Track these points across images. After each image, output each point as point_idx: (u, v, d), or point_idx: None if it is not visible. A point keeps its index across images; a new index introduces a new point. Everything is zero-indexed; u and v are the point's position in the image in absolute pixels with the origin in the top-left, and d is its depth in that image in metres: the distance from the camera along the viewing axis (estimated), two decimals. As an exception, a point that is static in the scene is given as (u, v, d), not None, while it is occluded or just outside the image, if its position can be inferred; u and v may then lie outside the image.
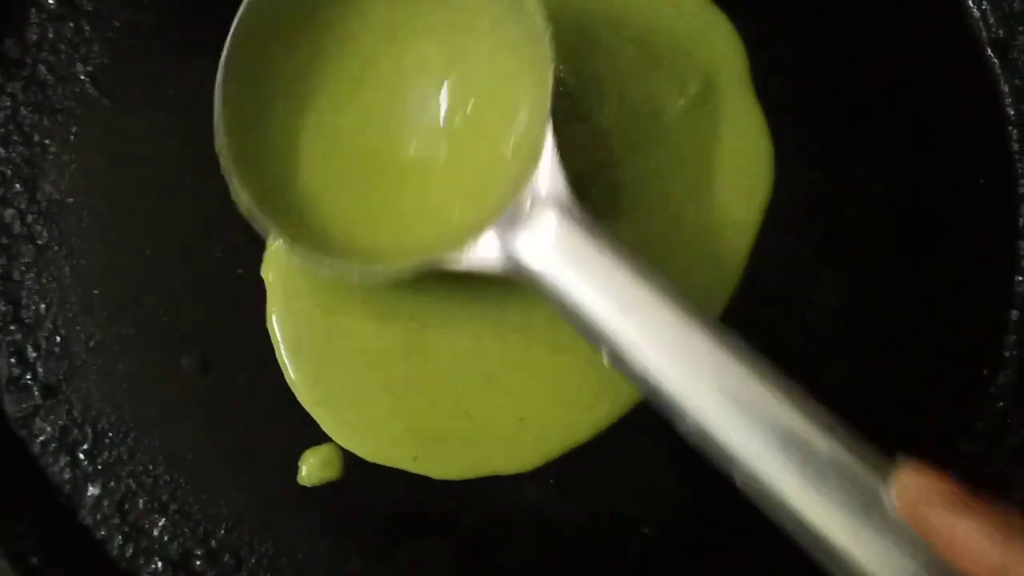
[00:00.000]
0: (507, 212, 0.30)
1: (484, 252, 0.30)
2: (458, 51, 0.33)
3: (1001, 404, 0.35)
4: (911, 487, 0.25)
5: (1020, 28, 0.37)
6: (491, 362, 0.34)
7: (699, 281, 0.34)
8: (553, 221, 0.29)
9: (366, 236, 0.33)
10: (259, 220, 0.31)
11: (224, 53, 0.31)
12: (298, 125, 0.33)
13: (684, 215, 0.35)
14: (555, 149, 0.30)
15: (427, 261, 0.31)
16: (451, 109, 0.33)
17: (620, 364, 0.28)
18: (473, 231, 0.30)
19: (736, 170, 0.36)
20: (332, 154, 0.33)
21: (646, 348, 0.27)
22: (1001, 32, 0.37)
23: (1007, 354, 0.35)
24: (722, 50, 0.37)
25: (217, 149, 0.31)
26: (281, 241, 0.31)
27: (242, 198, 0.31)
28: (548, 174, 0.30)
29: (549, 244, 0.29)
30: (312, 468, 0.33)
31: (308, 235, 0.32)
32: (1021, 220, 0.36)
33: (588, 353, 0.31)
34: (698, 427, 0.27)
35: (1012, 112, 0.37)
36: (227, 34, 0.35)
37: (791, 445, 0.26)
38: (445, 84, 0.33)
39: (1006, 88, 0.37)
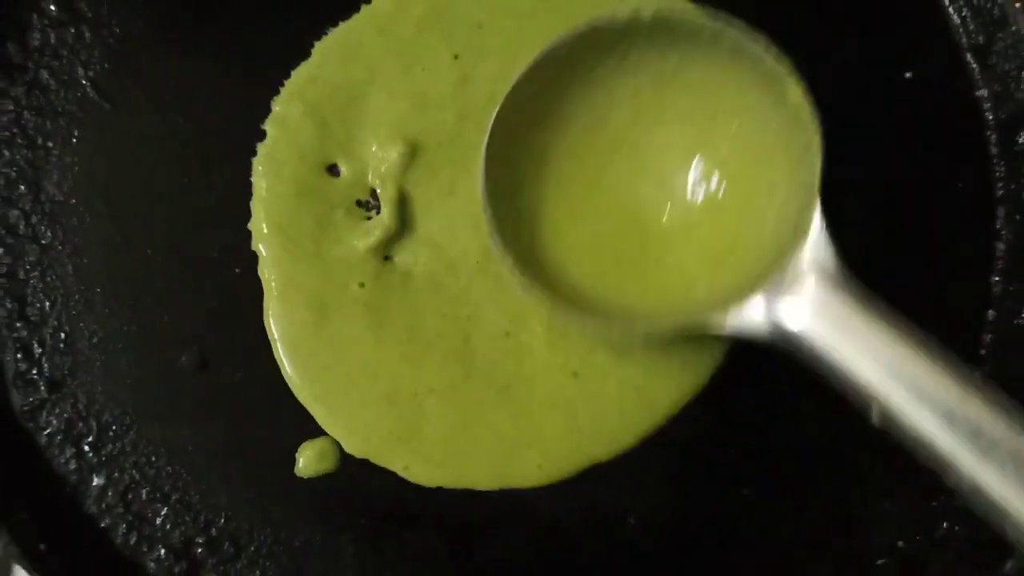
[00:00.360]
0: (774, 280, 0.31)
1: (750, 316, 0.31)
2: (703, 133, 0.35)
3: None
4: None
5: (999, 34, 0.38)
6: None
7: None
8: (820, 288, 0.30)
9: (615, 296, 0.34)
10: (520, 280, 0.33)
11: (487, 135, 0.33)
12: (550, 197, 0.35)
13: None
14: (823, 221, 0.31)
15: (689, 324, 0.32)
16: (696, 184, 0.35)
17: (889, 423, 0.29)
18: (737, 296, 0.31)
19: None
20: (582, 224, 0.35)
21: (917, 409, 0.28)
22: (981, 38, 0.38)
23: (984, 351, 0.36)
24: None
25: (485, 221, 0.33)
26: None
27: (506, 260, 0.33)
28: (817, 246, 0.31)
29: (817, 310, 0.30)
30: (308, 460, 0.35)
31: (563, 293, 0.34)
32: (998, 222, 0.37)
33: (598, 384, 0.33)
34: (973, 484, 0.27)
35: (991, 117, 0.38)
36: (223, 39, 0.36)
37: None
38: (690, 162, 0.35)
39: (985, 93, 0.38)
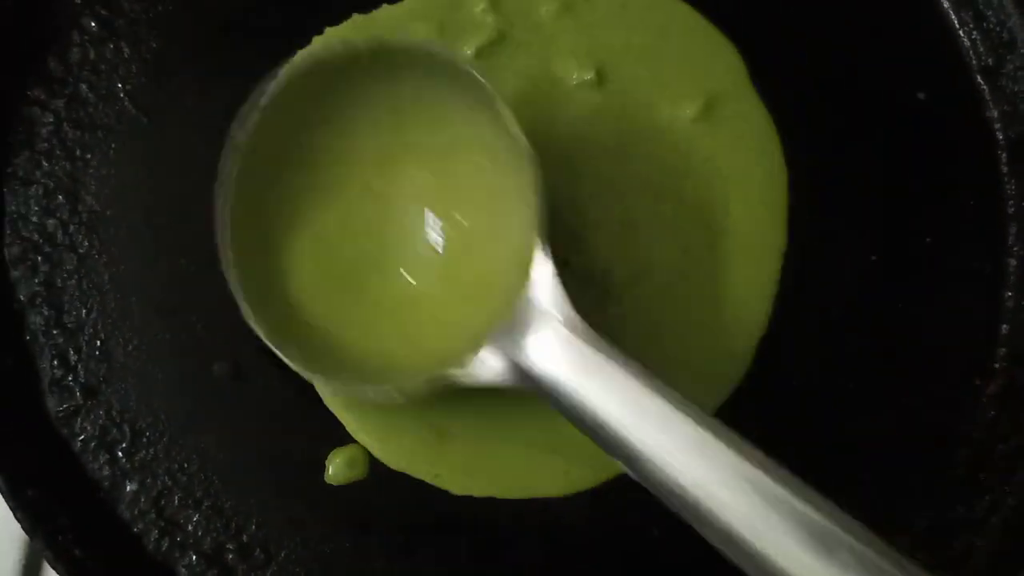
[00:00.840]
0: (504, 325, 0.30)
1: (488, 365, 0.30)
2: (445, 171, 0.34)
3: (992, 413, 0.36)
4: None
5: (1008, 56, 0.39)
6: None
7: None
8: (555, 332, 0.30)
9: (374, 355, 0.33)
10: (272, 346, 0.32)
11: (225, 189, 0.33)
12: (296, 247, 0.34)
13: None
14: (548, 260, 0.31)
15: (434, 378, 0.31)
16: (445, 226, 0.34)
17: (638, 474, 0.29)
18: (472, 346, 0.31)
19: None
20: (329, 274, 0.34)
21: (666, 457, 0.28)
22: (991, 60, 0.39)
23: (997, 365, 0.37)
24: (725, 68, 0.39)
25: (224, 269, 0.33)
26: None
27: (251, 321, 0.32)
28: (545, 286, 0.30)
29: (555, 355, 0.30)
30: (338, 468, 0.35)
31: (317, 358, 0.33)
32: (1010, 239, 0.38)
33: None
34: (727, 530, 0.27)
35: (1001, 136, 0.39)
36: (258, 54, 0.37)
37: (818, 540, 0.26)
38: (435, 203, 0.34)
39: (995, 113, 0.39)
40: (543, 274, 0.31)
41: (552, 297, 0.30)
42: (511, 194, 0.32)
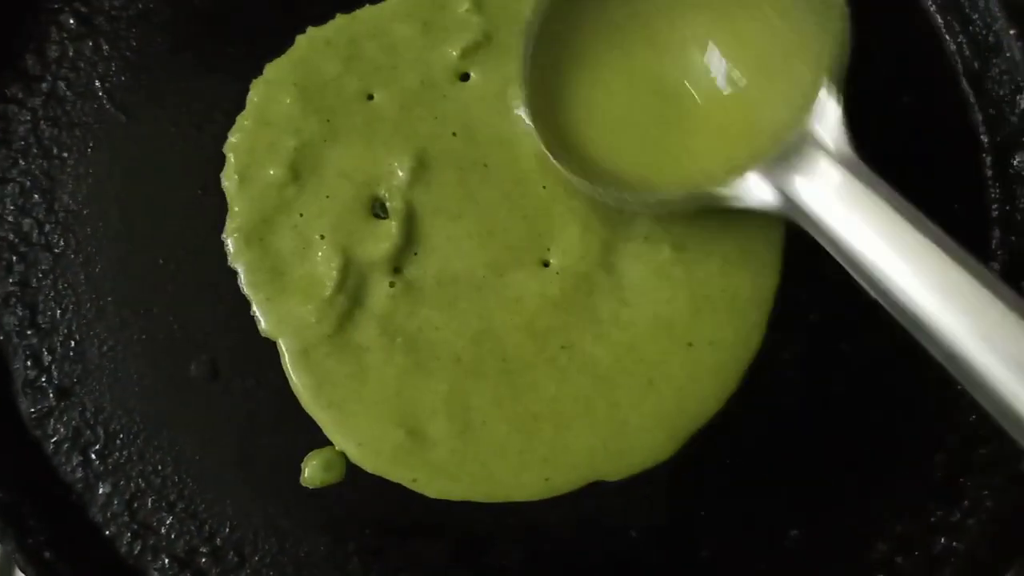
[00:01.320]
0: (778, 153, 0.32)
1: (760, 187, 0.32)
2: (724, 16, 0.36)
3: (972, 418, 0.36)
4: None
5: (994, 60, 0.39)
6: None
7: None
8: (832, 167, 0.31)
9: (643, 173, 0.36)
10: (553, 159, 0.35)
11: (528, 32, 0.36)
12: (581, 80, 0.37)
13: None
14: (838, 103, 0.32)
15: (702, 193, 0.33)
16: (717, 66, 0.36)
17: (888, 303, 0.30)
18: (738, 170, 0.32)
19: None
20: (609, 106, 0.37)
21: (921, 291, 0.29)
22: (976, 64, 0.39)
23: (980, 370, 0.37)
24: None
25: (522, 101, 0.36)
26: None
27: (541, 141, 0.35)
28: (829, 125, 0.32)
29: (829, 189, 0.31)
30: (314, 470, 0.35)
31: (592, 173, 0.35)
32: (994, 243, 0.38)
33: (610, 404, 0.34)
34: (952, 356, 0.29)
35: (986, 140, 0.39)
36: (237, 53, 0.37)
37: None
38: (709, 45, 0.36)
39: (980, 117, 0.39)
40: (829, 110, 0.32)
41: (833, 133, 0.32)
42: (801, 36, 0.34)
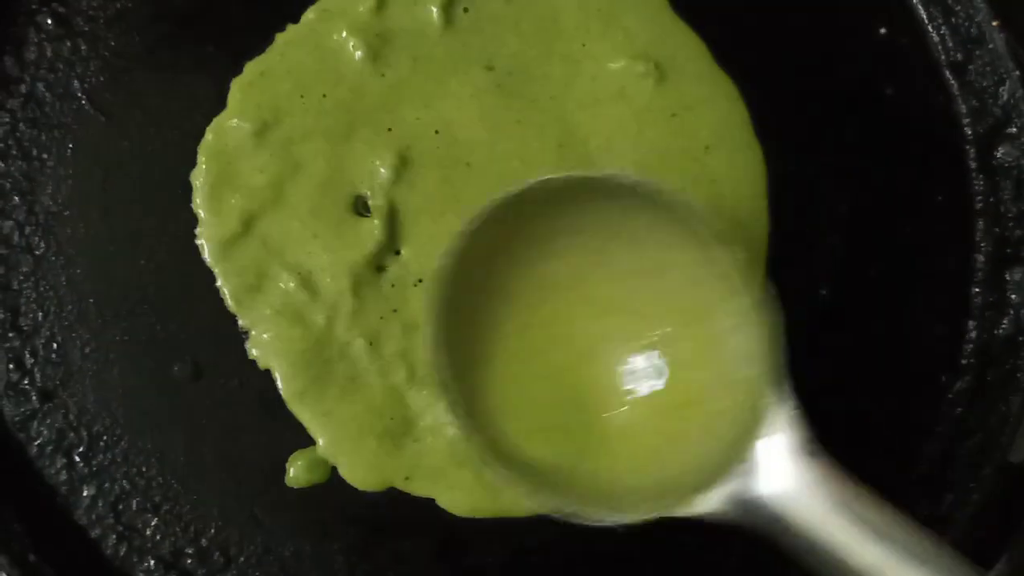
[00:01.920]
0: (736, 466, 0.29)
1: (714, 504, 0.29)
2: (650, 314, 0.33)
3: (959, 409, 0.37)
4: None
5: (977, 51, 0.39)
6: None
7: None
8: (788, 470, 0.28)
9: (568, 478, 0.32)
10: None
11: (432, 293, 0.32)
12: (498, 371, 0.33)
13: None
14: (787, 401, 0.29)
15: (656, 511, 0.30)
16: (645, 368, 0.33)
17: None
18: (702, 486, 0.29)
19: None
20: (534, 411, 0.33)
21: None
22: (959, 55, 0.39)
23: (964, 361, 0.37)
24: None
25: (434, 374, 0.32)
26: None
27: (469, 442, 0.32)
28: (783, 427, 0.29)
29: (797, 493, 0.28)
30: (299, 471, 0.35)
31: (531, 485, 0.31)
32: (978, 234, 0.38)
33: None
34: None
35: (969, 131, 0.39)
36: (218, 54, 0.37)
37: None
38: (637, 346, 0.33)
39: (964, 108, 0.39)
40: (781, 417, 0.29)
41: (791, 438, 0.29)
42: (731, 335, 0.31)
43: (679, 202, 0.32)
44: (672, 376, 0.32)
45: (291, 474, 0.35)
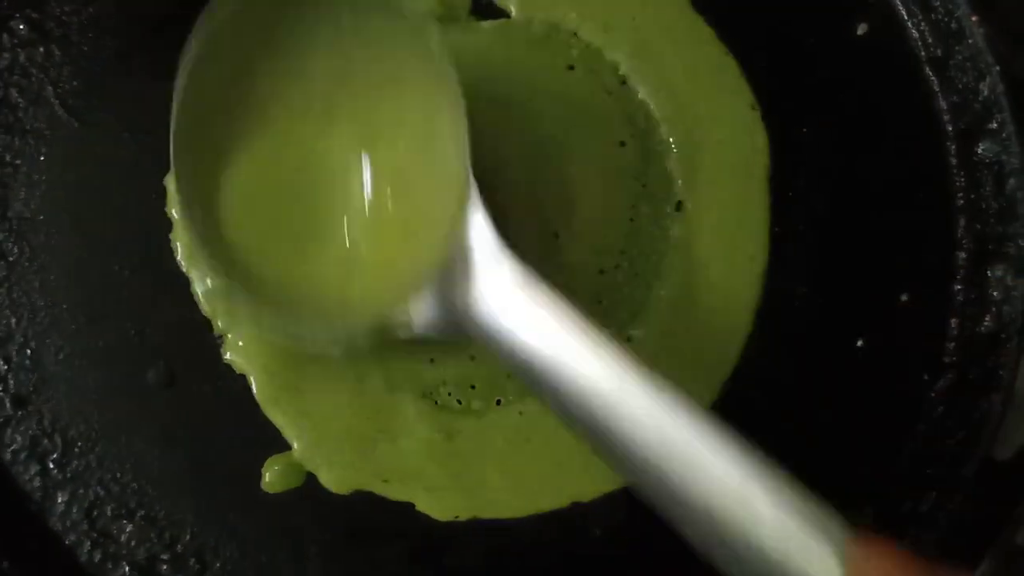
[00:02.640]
0: (439, 270, 0.30)
1: (425, 314, 0.30)
2: (379, 111, 0.33)
3: (940, 408, 0.36)
4: (867, 569, 0.24)
5: (957, 47, 0.38)
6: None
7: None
8: (491, 276, 0.29)
9: (310, 299, 0.32)
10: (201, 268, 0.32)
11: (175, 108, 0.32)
12: (235, 185, 0.33)
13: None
14: (480, 202, 0.30)
15: (370, 326, 0.31)
16: (377, 168, 0.33)
17: (560, 408, 0.28)
18: (407, 292, 0.30)
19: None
20: (265, 216, 0.33)
21: (583, 386, 0.27)
22: (939, 51, 0.39)
23: (946, 359, 0.37)
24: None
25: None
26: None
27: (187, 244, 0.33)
28: (479, 229, 0.30)
29: (491, 299, 0.29)
30: (274, 476, 0.35)
31: (253, 298, 0.32)
32: (959, 231, 0.38)
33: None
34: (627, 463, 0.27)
35: (950, 128, 0.38)
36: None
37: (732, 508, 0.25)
38: (367, 145, 0.33)
39: (944, 104, 0.39)
40: (477, 217, 0.30)
41: (486, 241, 0.29)
42: (444, 135, 0.31)
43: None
44: (391, 187, 0.33)
45: (266, 479, 0.35)
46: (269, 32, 0.33)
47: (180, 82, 0.31)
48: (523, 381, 0.29)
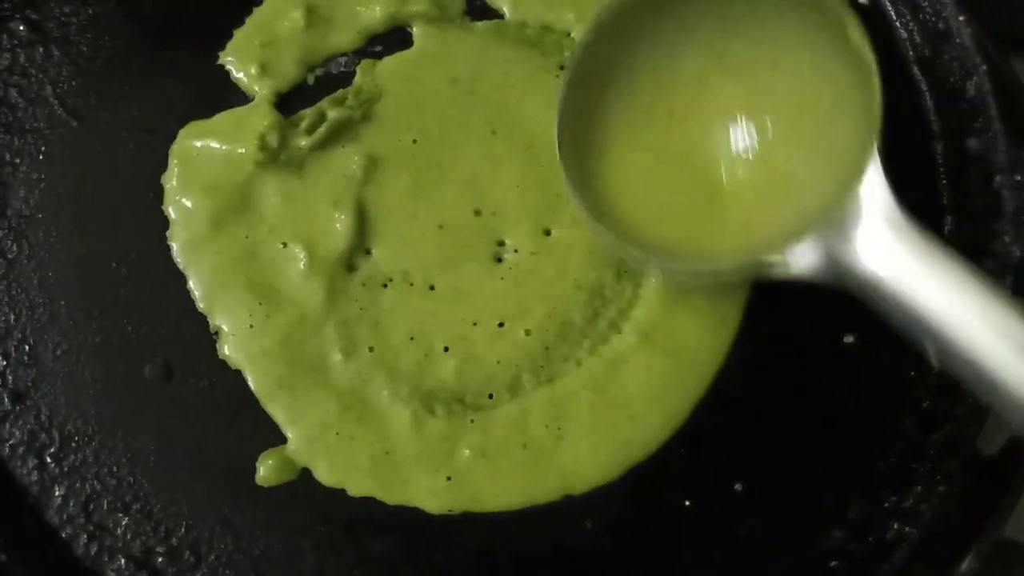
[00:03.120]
0: (831, 219, 0.32)
1: (811, 256, 0.32)
2: (764, 83, 0.36)
3: (928, 403, 0.36)
4: None
5: (944, 47, 0.39)
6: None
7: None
8: (878, 228, 0.31)
9: (680, 241, 0.36)
10: (592, 226, 0.35)
11: (561, 91, 0.36)
12: (620, 148, 0.37)
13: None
14: (879, 164, 0.32)
15: (750, 264, 0.34)
16: (757, 132, 0.36)
17: (949, 359, 0.29)
18: (791, 238, 0.32)
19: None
20: (649, 175, 0.37)
21: (980, 341, 0.28)
22: (927, 51, 0.39)
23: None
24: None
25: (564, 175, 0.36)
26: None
27: (581, 207, 0.36)
28: (873, 187, 0.32)
29: (880, 251, 0.31)
30: (269, 470, 0.35)
31: (636, 241, 0.35)
32: (946, 230, 0.38)
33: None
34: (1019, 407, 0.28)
35: (937, 126, 0.39)
36: (189, 57, 0.37)
37: None
38: (750, 112, 0.36)
39: (931, 104, 0.39)
40: (874, 174, 0.32)
41: (882, 196, 0.31)
42: (838, 101, 0.34)
43: None
44: (775, 145, 0.36)
45: (261, 473, 0.35)
46: (650, 24, 0.36)
47: (566, 77, 0.36)
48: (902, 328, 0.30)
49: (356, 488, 0.35)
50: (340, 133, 0.37)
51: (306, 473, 0.35)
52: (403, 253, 0.37)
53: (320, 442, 0.35)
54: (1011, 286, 0.36)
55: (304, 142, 0.37)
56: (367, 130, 0.38)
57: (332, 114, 0.37)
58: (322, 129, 0.37)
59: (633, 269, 0.37)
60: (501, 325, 0.36)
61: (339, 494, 0.35)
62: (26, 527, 0.34)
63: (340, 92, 0.38)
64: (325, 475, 0.35)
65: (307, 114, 0.37)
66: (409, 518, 0.34)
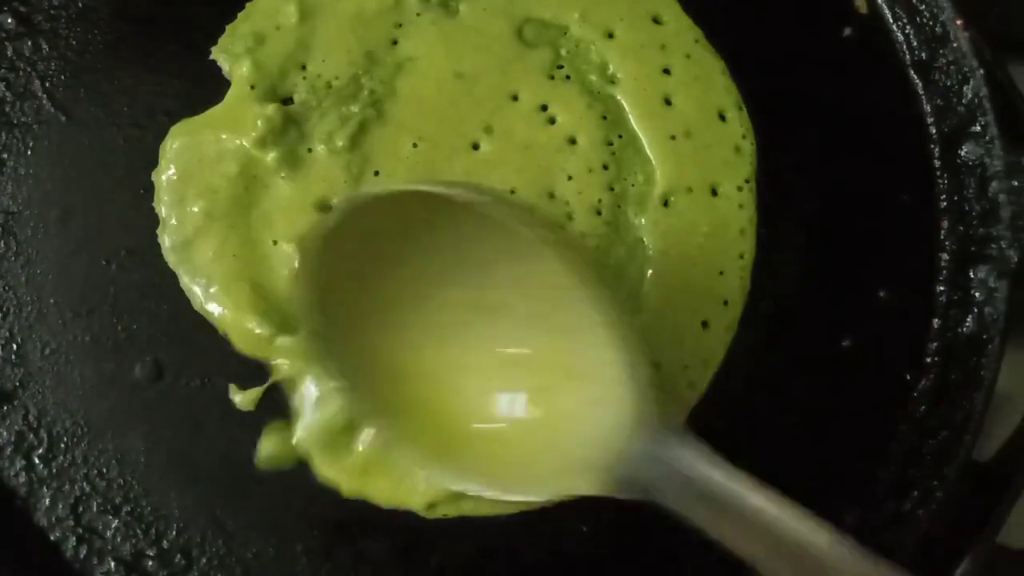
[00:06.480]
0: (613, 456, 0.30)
1: (597, 487, 0.30)
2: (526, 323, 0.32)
3: (923, 407, 0.37)
4: None
5: (941, 51, 0.39)
6: None
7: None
8: (664, 457, 0.29)
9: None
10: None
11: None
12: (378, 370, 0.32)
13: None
14: (654, 389, 0.30)
15: (559, 492, 0.32)
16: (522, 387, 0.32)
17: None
18: (576, 474, 0.30)
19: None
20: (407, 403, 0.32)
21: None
22: (923, 55, 0.39)
23: (928, 360, 0.37)
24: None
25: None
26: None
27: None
28: (646, 414, 0.29)
29: (664, 475, 0.29)
30: (269, 444, 0.34)
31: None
32: (942, 233, 0.38)
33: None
34: None
35: (934, 130, 0.39)
36: (179, 52, 0.37)
37: None
38: (512, 349, 0.32)
39: (928, 108, 0.39)
40: (643, 408, 0.30)
41: (653, 427, 0.30)
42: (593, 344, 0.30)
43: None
44: (540, 391, 0.32)
45: (261, 448, 0.34)
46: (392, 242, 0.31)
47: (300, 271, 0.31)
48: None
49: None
50: (339, 131, 0.37)
51: (299, 475, 0.34)
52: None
53: (324, 439, 0.35)
54: (1008, 292, 0.36)
55: (296, 138, 0.36)
56: (367, 129, 0.37)
57: (331, 111, 0.36)
58: (321, 127, 0.36)
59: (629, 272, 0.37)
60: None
61: (332, 496, 0.34)
62: (14, 529, 0.34)
63: (340, 89, 0.37)
64: (323, 472, 0.34)
65: (299, 110, 0.37)
66: (404, 522, 0.34)
